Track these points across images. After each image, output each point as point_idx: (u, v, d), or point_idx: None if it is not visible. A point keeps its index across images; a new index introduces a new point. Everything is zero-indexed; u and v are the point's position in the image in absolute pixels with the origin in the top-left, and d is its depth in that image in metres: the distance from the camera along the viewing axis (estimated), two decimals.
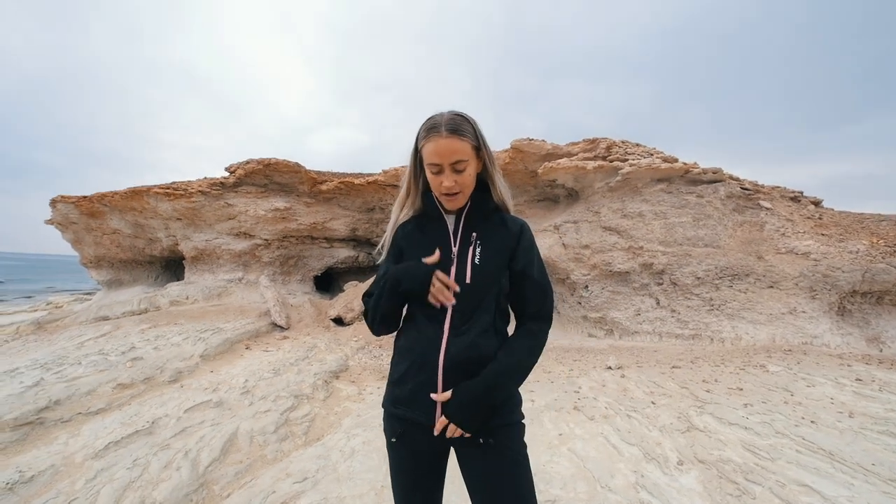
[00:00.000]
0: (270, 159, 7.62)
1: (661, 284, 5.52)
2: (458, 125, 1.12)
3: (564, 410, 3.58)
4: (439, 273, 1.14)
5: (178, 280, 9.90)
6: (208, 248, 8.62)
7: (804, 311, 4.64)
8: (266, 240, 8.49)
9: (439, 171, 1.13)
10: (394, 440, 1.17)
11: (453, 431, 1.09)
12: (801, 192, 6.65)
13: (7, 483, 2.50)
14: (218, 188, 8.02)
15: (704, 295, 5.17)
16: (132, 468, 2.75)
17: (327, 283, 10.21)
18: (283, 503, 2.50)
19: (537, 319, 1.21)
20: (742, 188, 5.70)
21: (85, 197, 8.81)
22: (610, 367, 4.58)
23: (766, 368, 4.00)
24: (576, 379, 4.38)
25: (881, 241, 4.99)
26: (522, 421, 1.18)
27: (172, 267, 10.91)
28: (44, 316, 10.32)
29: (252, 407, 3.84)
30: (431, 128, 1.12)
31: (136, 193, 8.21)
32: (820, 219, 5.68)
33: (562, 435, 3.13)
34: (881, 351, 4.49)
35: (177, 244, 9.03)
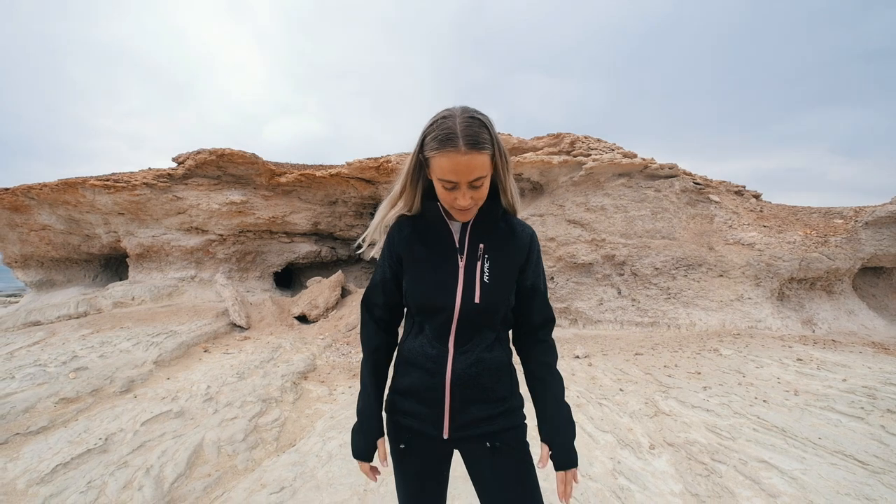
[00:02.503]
0: (224, 149, 7.16)
1: (623, 275, 5.77)
2: (477, 136, 0.97)
3: None
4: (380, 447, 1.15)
5: (121, 280, 9.16)
6: (156, 245, 8.01)
7: (750, 298, 5.03)
8: (221, 235, 8.01)
9: (454, 187, 1.01)
10: (402, 447, 1.15)
11: (573, 478, 1.11)
12: (744, 186, 7.16)
13: None
14: (165, 180, 7.44)
15: (662, 284, 5.47)
16: (86, 491, 2.52)
17: (288, 279, 9.84)
18: None
19: (545, 328, 1.19)
20: (694, 183, 6.06)
21: (7, 189, 7.88)
22: (578, 357, 4.74)
23: (719, 352, 4.30)
24: None
25: (813, 231, 5.48)
26: (525, 422, 1.18)
27: (113, 265, 10.07)
28: None
29: (217, 415, 3.63)
30: (447, 139, 0.97)
31: (69, 186, 7.44)
32: (761, 211, 6.15)
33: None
34: (814, 332, 4.97)
35: (119, 241, 8.31)
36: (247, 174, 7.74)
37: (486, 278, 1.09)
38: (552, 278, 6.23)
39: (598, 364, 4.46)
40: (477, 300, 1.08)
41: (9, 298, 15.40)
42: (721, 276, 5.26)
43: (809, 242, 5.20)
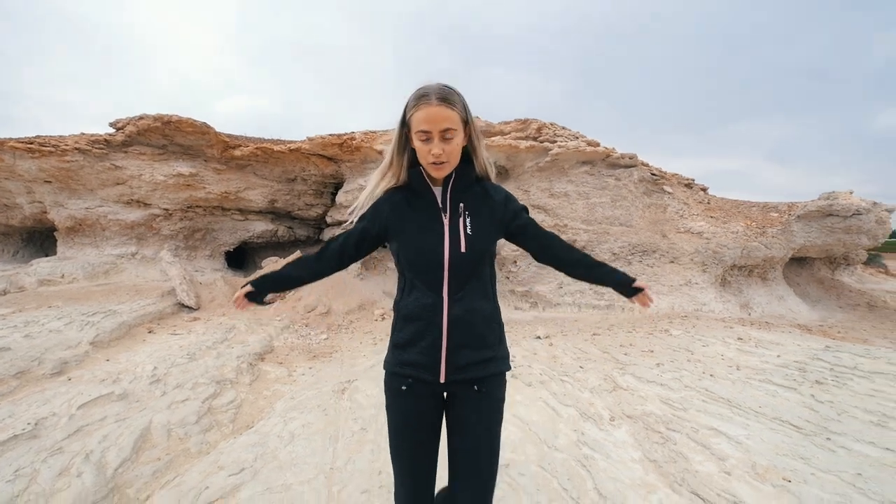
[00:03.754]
0: (171, 116, 6.58)
1: None
2: (448, 95, 1.16)
3: None
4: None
5: (47, 255, 8.29)
6: (90, 218, 7.28)
7: (697, 283, 5.38)
8: (166, 210, 7.42)
9: (428, 138, 1.16)
10: (403, 388, 1.25)
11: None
12: (693, 180, 7.60)
13: None
14: (101, 146, 6.74)
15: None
16: (14, 480, 2.26)
17: (241, 259, 9.34)
18: (219, 499, 2.26)
19: (560, 244, 1.39)
20: (651, 173, 6.34)
21: None
22: (539, 337, 4.87)
23: (669, 332, 4.57)
24: (509, 348, 4.59)
25: (753, 223, 5.93)
26: (508, 371, 1.32)
27: (37, 240, 9.09)
28: None
29: (166, 397, 3.39)
30: (422, 96, 1.15)
31: None
32: (708, 203, 6.56)
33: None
34: (749, 314, 5.41)
35: (45, 212, 7.48)
36: (196, 145, 7.19)
37: (468, 230, 1.24)
38: (515, 262, 6.34)
39: (559, 344, 4.61)
40: (463, 249, 1.22)
41: None
42: (672, 262, 5.58)
43: (750, 233, 5.62)
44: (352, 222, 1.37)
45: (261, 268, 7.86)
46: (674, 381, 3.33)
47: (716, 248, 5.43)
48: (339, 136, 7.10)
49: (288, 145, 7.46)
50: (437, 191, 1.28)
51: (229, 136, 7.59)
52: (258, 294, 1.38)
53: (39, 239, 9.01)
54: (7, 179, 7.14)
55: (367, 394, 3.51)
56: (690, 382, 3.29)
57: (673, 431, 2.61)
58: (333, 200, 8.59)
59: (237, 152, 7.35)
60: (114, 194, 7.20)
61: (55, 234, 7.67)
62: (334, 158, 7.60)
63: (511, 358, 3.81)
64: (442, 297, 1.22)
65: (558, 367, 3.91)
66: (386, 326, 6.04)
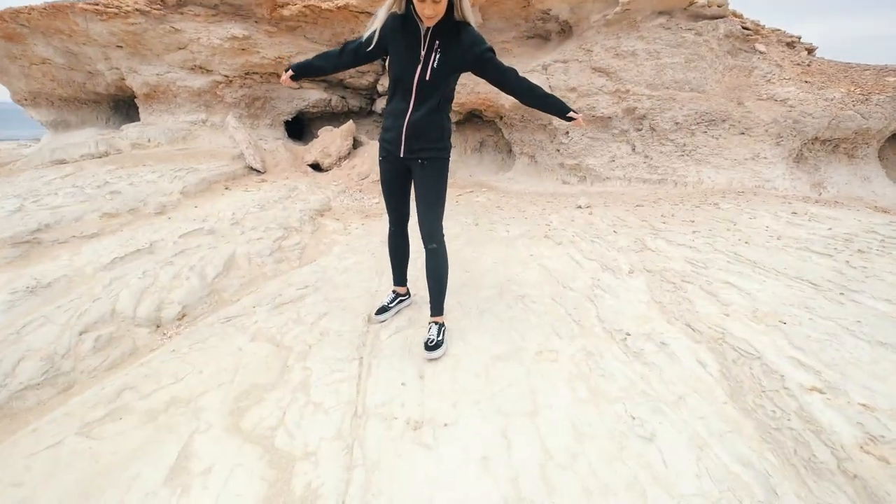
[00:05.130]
0: None
1: (640, 130, 5.58)
2: None
3: (536, 238, 3.97)
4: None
5: (131, 122, 9.14)
6: (161, 85, 7.76)
7: (765, 157, 4.92)
8: (227, 76, 7.66)
9: None
10: (382, 157, 2.15)
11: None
12: (799, 38, 6.35)
13: (27, 287, 2.71)
14: (158, 6, 6.82)
15: (679, 140, 5.31)
16: (143, 278, 3.00)
17: (298, 129, 9.70)
18: (290, 301, 2.87)
19: (522, 87, 1.95)
20: (743, 27, 5.37)
21: None
22: (580, 206, 4.93)
23: (718, 206, 4.41)
24: (548, 216, 4.73)
25: (858, 89, 5.05)
26: (448, 158, 2.06)
27: (123, 108, 9.93)
28: None
29: (244, 235, 4.04)
30: None
31: (57, 10, 6.89)
32: (809, 66, 5.58)
33: (532, 255, 3.54)
34: (820, 195, 4.98)
35: (123, 78, 8.04)
36: (246, 3, 7.02)
37: (434, 64, 1.80)
38: (567, 133, 6.06)
39: (598, 213, 4.66)
40: (427, 78, 1.83)
41: (28, 144, 15.67)
42: (742, 133, 5.05)
43: (849, 100, 4.83)
44: (369, 49, 1.92)
45: (317, 136, 8.20)
46: (704, 246, 3.37)
47: (798, 117, 4.78)
48: None
49: (335, 2, 7.06)
50: (423, 28, 1.79)
51: None
52: (297, 77, 2.10)
53: (124, 107, 9.84)
54: (85, 45, 7.61)
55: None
56: (721, 247, 3.31)
57: (686, 283, 2.77)
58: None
59: (285, 11, 7.11)
60: (178, 59, 7.48)
61: (136, 101, 8.34)
62: None
63: (549, 222, 4.31)
64: (409, 105, 1.90)
65: (591, 230, 4.04)
66: None
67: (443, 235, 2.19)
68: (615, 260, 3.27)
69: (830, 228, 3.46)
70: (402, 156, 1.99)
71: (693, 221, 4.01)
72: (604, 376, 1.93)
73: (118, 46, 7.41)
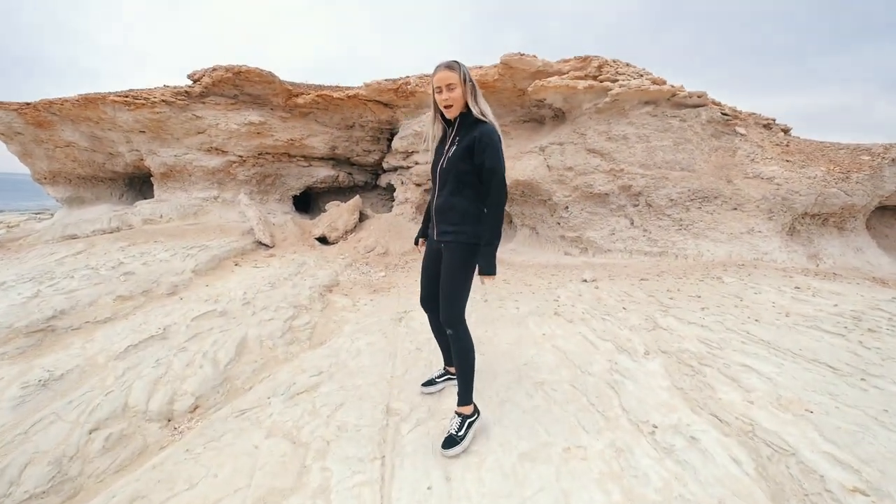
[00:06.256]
0: (240, 67, 7.02)
1: (637, 206, 5.85)
2: (451, 64, 1.99)
3: (546, 315, 4.00)
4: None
5: (145, 198, 9.49)
6: (178, 165, 8.19)
7: (760, 231, 5.13)
8: (241, 156, 8.12)
9: (440, 91, 2.00)
10: (421, 238, 2.52)
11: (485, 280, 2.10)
12: (774, 120, 6.90)
13: (39, 381, 2.67)
14: (183, 98, 7.41)
15: (675, 216, 5.56)
16: (156, 367, 2.96)
17: (306, 203, 10.07)
18: (305, 391, 2.82)
19: (490, 195, 2.03)
20: (722, 113, 5.87)
21: (29, 104, 7.94)
22: (585, 280, 5.02)
23: (721, 280, 4.52)
24: (554, 290, 4.81)
25: (836, 167, 5.40)
26: (469, 241, 2.08)
27: (137, 184, 10.36)
28: (2, 234, 9.81)
29: (256, 316, 4.05)
30: (436, 67, 2.02)
31: (90, 102, 7.47)
32: (787, 146, 6.01)
33: (545, 334, 3.55)
34: (818, 266, 5.12)
35: (142, 159, 8.50)
36: (264, 94, 7.65)
37: (450, 154, 2.06)
38: (566, 207, 6.34)
39: (605, 287, 4.74)
40: (444, 166, 2.09)
41: (40, 215, 16.05)
42: (735, 209, 5.32)
43: (830, 178, 5.16)
44: (426, 150, 2.43)
45: (324, 211, 8.50)
46: (715, 324, 3.41)
47: (786, 195, 5.07)
48: (394, 81, 7.20)
49: (346, 92, 7.70)
50: (451, 129, 2.13)
51: (292, 84, 7.95)
52: (420, 237, 2.54)
53: (138, 183, 10.28)
54: (110, 130, 8.13)
55: (421, 322, 3.94)
56: (732, 326, 3.35)
57: (705, 366, 2.76)
58: (389, 146, 8.86)
59: (300, 100, 7.73)
60: (196, 143, 7.97)
61: (151, 179, 8.73)
62: (389, 104, 7.76)
63: (556, 298, 4.40)
64: (435, 191, 2.18)
65: (601, 308, 4.08)
66: None
67: (461, 321, 2.20)
68: (629, 340, 3.28)
69: (836, 305, 3.53)
70: (435, 237, 2.22)
71: (700, 297, 4.08)
72: (637, 477, 1.87)
73: (141, 131, 7.91)
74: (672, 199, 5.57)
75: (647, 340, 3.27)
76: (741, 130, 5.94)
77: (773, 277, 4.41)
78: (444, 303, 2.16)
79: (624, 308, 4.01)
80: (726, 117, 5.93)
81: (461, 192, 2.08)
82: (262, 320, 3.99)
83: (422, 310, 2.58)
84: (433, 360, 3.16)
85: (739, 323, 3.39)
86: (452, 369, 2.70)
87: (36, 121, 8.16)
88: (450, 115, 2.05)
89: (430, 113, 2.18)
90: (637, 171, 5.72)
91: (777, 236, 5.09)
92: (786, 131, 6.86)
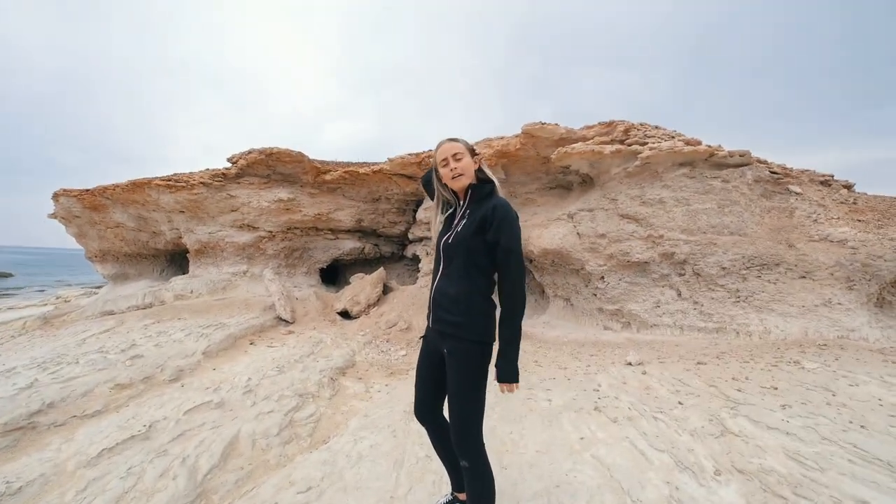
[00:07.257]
0: (273, 148, 7.39)
1: (683, 275, 5.23)
2: (453, 138, 1.81)
3: (584, 411, 3.35)
4: None
5: (184, 273, 9.79)
6: (212, 241, 8.46)
7: (840, 303, 4.33)
8: (270, 232, 8.30)
9: (445, 163, 1.78)
10: (420, 337, 2.02)
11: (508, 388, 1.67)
12: (832, 176, 6.27)
13: None
14: (220, 179, 7.82)
15: (730, 286, 4.87)
16: (126, 477, 2.58)
17: (333, 275, 10.04)
18: None
19: (507, 280, 1.66)
20: (771, 172, 5.36)
21: (87, 190, 8.67)
22: (630, 363, 4.34)
23: (800, 365, 3.72)
24: (594, 376, 4.15)
25: None
26: (478, 344, 1.69)
27: (178, 260, 10.81)
28: (50, 310, 10.30)
29: (255, 407, 3.67)
30: (438, 143, 1.83)
31: (137, 186, 8.04)
32: (854, 203, 5.33)
33: (583, 439, 2.90)
34: None
35: (180, 237, 8.88)
36: (294, 172, 7.96)
37: (459, 229, 1.75)
38: (602, 277, 5.79)
39: (654, 373, 4.04)
40: (450, 241, 1.76)
41: (95, 290, 17.12)
42: (803, 277, 4.58)
43: None
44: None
45: (349, 283, 8.35)
46: (806, 431, 2.66)
47: (865, 260, 4.32)
48: (416, 154, 7.29)
49: (371, 167, 7.88)
50: (461, 203, 1.85)
51: (321, 162, 8.27)
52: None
53: (178, 259, 10.72)
54: (154, 211, 8.64)
55: None
56: (831, 434, 2.59)
57: (802, 499, 2.05)
58: (415, 217, 8.83)
59: (328, 177, 7.96)
60: (229, 220, 8.26)
61: (188, 255, 9.04)
62: (413, 177, 7.82)
63: (596, 387, 3.65)
64: (438, 271, 1.82)
65: (651, 401, 3.39)
66: None
67: (479, 450, 1.73)
68: (691, 451, 2.59)
69: None
70: (430, 325, 1.85)
71: (776, 389, 3.32)
72: None
73: (180, 211, 8.33)
74: (724, 268, 4.93)
75: (715, 452, 2.56)
76: (796, 189, 5.36)
77: (870, 363, 3.58)
78: (454, 423, 1.72)
79: (680, 403, 3.30)
80: (776, 176, 5.40)
81: (469, 276, 1.71)
82: (261, 413, 3.59)
83: None
84: (443, 474, 2.59)
85: (840, 430, 2.62)
86: (462, 496, 2.13)
87: (92, 205, 8.83)
88: (459, 185, 1.77)
89: (436, 199, 1.92)
90: (679, 237, 5.18)
91: (863, 309, 4.27)
92: (848, 188, 6.17)
